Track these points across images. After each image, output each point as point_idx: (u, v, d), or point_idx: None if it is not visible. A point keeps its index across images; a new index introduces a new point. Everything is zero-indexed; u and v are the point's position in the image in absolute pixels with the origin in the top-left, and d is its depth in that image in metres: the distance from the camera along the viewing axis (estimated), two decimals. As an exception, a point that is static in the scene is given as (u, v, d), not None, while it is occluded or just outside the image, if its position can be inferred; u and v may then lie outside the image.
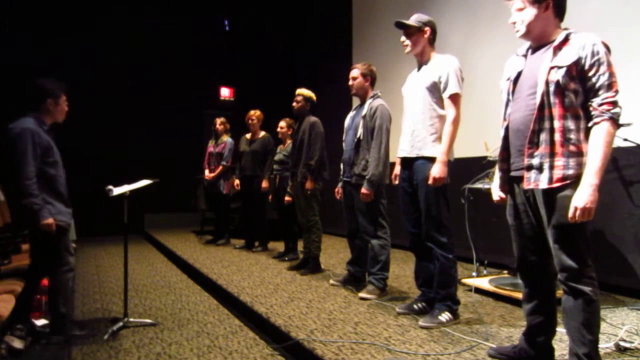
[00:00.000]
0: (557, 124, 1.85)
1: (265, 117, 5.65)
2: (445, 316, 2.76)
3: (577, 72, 1.82)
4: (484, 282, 3.54)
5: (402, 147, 2.94)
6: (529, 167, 1.93)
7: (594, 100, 1.81)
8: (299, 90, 4.42)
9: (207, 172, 6.01)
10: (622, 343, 2.37)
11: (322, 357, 2.32)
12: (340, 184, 3.78)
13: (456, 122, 2.73)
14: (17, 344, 2.54)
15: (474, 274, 3.87)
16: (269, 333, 2.91)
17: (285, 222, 5.02)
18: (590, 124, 1.83)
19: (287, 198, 4.69)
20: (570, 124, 1.84)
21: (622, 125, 2.68)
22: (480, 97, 4.48)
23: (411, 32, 2.84)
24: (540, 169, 1.89)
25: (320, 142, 4.22)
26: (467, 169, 3.94)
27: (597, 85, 1.80)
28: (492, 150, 3.43)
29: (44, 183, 2.66)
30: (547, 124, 1.87)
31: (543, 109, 1.88)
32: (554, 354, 2.16)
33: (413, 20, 2.85)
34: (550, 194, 1.88)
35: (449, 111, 2.74)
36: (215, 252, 5.55)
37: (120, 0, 7.77)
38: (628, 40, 3.42)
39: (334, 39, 7.75)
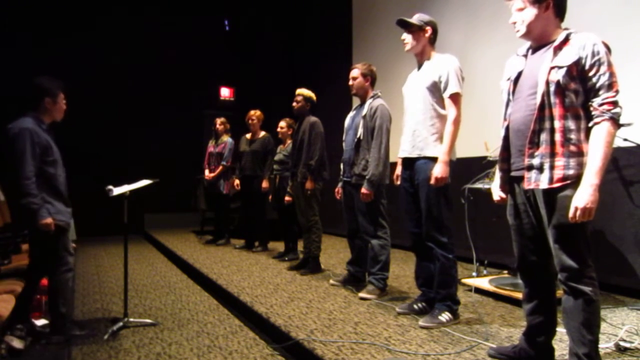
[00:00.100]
0: (557, 124, 1.85)
1: (265, 117, 5.65)
2: (445, 316, 2.76)
3: (578, 72, 1.82)
4: (484, 282, 3.54)
5: (404, 147, 2.94)
6: (530, 167, 1.93)
7: (594, 100, 1.81)
8: (299, 90, 4.42)
9: (207, 172, 6.01)
10: (622, 343, 2.37)
11: (322, 357, 2.32)
12: (340, 184, 3.78)
13: (457, 121, 2.73)
14: (17, 344, 2.54)
15: (474, 274, 3.87)
16: (269, 333, 2.91)
17: (285, 222, 5.02)
18: (590, 124, 1.83)
19: (287, 198, 4.69)
20: (571, 124, 1.84)
21: (622, 125, 2.68)
22: (480, 97, 4.48)
23: (412, 30, 2.85)
24: (540, 169, 1.89)
25: (320, 142, 4.22)
26: (467, 169, 3.94)
27: (598, 85, 1.80)
28: (492, 150, 3.43)
29: (44, 182, 2.66)
30: (547, 124, 1.87)
31: (543, 109, 1.88)
32: (554, 354, 2.16)
33: (415, 19, 2.86)
34: (550, 194, 1.88)
35: (450, 111, 2.74)
36: (215, 252, 5.55)
37: (120, 0, 7.77)
38: (628, 40, 3.42)
39: (334, 39, 7.75)
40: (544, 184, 1.88)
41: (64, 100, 2.86)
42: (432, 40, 2.89)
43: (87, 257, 5.75)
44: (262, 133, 5.59)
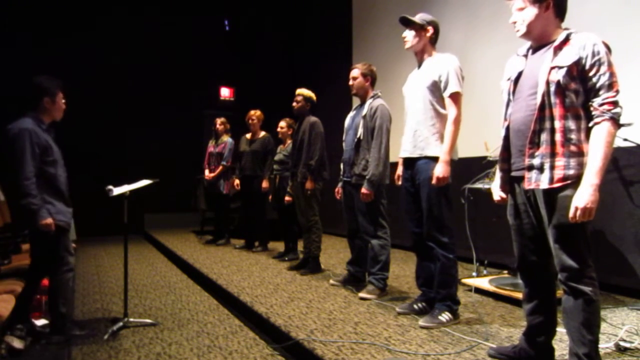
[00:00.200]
0: (557, 124, 1.85)
1: (265, 117, 5.65)
2: (445, 316, 2.76)
3: (578, 72, 1.82)
4: (484, 282, 3.54)
5: (405, 147, 2.93)
6: (530, 167, 1.93)
7: (594, 100, 1.81)
8: (299, 90, 4.42)
9: (207, 172, 6.01)
10: (622, 343, 2.37)
11: (322, 357, 2.32)
12: (340, 184, 3.78)
13: (457, 121, 2.73)
14: (17, 344, 2.54)
15: (474, 274, 3.87)
16: (269, 333, 2.91)
17: (285, 222, 5.02)
18: (590, 124, 1.83)
19: (287, 198, 4.69)
20: (571, 124, 1.84)
21: (622, 125, 2.68)
22: (480, 97, 4.48)
23: (414, 28, 2.85)
24: (541, 169, 1.89)
25: (320, 142, 4.22)
26: (467, 169, 3.93)
27: (598, 85, 1.80)
28: (492, 150, 3.43)
29: (44, 182, 2.66)
30: (547, 124, 1.87)
31: (544, 109, 1.88)
32: (554, 354, 2.16)
33: (417, 18, 2.86)
34: (551, 194, 1.88)
35: (450, 110, 2.74)
36: (215, 252, 5.55)
37: (120, 0, 7.77)
38: (628, 40, 3.42)
39: (334, 39, 7.75)
40: (544, 184, 1.88)
41: (63, 100, 2.85)
42: (434, 40, 2.89)
43: (87, 257, 5.76)
44: (262, 133, 5.59)
